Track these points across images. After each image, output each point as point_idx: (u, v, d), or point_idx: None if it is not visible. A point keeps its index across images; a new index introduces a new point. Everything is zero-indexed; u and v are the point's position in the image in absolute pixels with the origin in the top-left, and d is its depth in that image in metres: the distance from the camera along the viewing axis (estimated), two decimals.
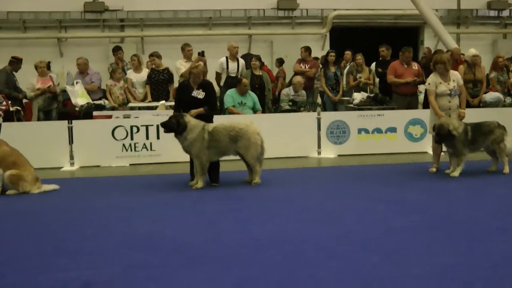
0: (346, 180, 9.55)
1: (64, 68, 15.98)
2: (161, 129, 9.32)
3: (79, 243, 6.02)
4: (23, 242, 6.16)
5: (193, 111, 8.87)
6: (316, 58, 15.48)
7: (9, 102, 10.56)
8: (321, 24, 18.69)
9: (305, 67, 14.08)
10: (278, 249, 5.64)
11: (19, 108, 11.62)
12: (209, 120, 9.14)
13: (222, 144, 8.85)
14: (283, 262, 5.25)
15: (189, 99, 9.00)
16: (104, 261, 5.40)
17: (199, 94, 8.99)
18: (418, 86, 13.03)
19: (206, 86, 9.13)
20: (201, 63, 9.32)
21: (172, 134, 8.89)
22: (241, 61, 12.98)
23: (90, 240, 6.15)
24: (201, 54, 11.97)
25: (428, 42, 18.39)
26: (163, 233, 6.31)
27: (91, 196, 8.65)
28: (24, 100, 12.89)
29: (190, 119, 8.73)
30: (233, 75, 12.59)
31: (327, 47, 18.15)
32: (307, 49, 14.36)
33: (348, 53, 14.40)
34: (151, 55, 12.89)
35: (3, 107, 8.92)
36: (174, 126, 8.73)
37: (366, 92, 13.02)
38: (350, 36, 18.10)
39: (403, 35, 18.38)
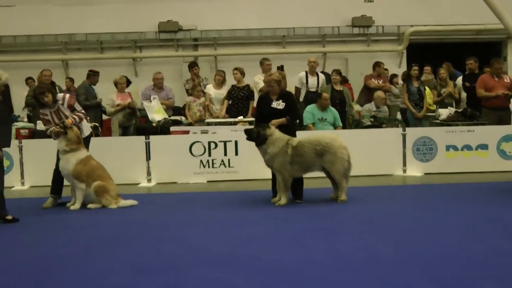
0: (437, 198, 8.80)
1: (138, 87, 15.83)
2: (242, 138, 8.85)
3: (157, 261, 5.56)
4: (100, 257, 5.80)
5: (275, 121, 8.39)
6: (395, 75, 14.76)
7: (88, 118, 10.25)
8: (397, 40, 17.92)
9: (378, 83, 13.37)
10: (374, 270, 5.01)
11: (97, 124, 11.39)
12: (292, 131, 8.62)
13: (307, 159, 8.30)
14: (381, 285, 4.61)
15: (269, 111, 8.52)
16: (184, 281, 4.89)
17: (279, 105, 8.50)
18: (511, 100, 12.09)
19: (285, 96, 8.65)
20: (276, 72, 8.84)
21: (252, 148, 8.52)
22: (321, 76, 12.47)
23: (168, 257, 5.70)
24: (281, 68, 11.58)
25: (511, 58, 17.37)
26: (246, 252, 5.79)
27: (169, 211, 8.31)
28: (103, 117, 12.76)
29: (274, 131, 8.23)
30: (313, 90, 12.04)
31: (403, 64, 17.41)
32: (378, 64, 13.69)
33: (427, 69, 13.62)
34: (235, 69, 12.61)
35: (81, 114, 8.64)
36: (254, 136, 8.28)
37: (452, 107, 12.17)
38: (428, 53, 17.28)
39: (484, 51, 17.38)
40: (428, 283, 4.59)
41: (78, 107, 8.77)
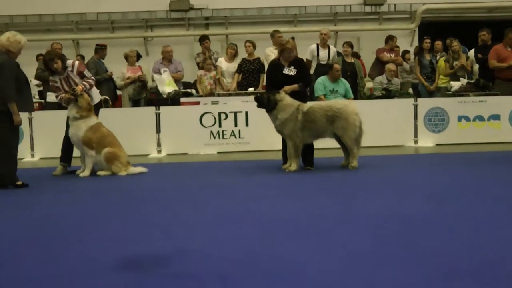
0: (450, 164, 8.73)
1: (150, 66, 15.73)
2: (252, 109, 8.72)
3: (171, 218, 5.53)
4: (112, 215, 5.77)
5: (287, 87, 8.26)
6: (407, 51, 14.57)
7: (98, 91, 10.16)
8: (409, 19, 17.68)
9: (391, 56, 13.19)
10: (388, 224, 4.91)
11: (107, 97, 11.31)
12: (304, 98, 8.50)
13: (318, 125, 8.18)
14: (394, 235, 4.53)
15: (281, 77, 8.39)
16: (198, 233, 4.84)
17: (291, 71, 8.37)
18: None
19: (297, 62, 8.51)
20: (291, 40, 8.69)
21: (263, 119, 8.44)
22: (333, 48, 12.31)
23: (182, 215, 5.66)
24: (292, 39, 11.32)
25: None
26: (259, 210, 5.71)
27: (181, 177, 8.24)
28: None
29: (284, 97, 8.11)
30: (324, 62, 11.88)
31: (415, 42, 17.16)
32: (392, 38, 13.51)
33: (438, 43, 13.41)
34: (247, 41, 12.51)
35: (91, 81, 8.58)
36: (264, 102, 8.17)
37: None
38: (440, 31, 17.01)
39: (498, 29, 17.10)
40: (447, 235, 4.49)
41: (87, 74, 8.69)
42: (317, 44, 12.21)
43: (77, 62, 8.69)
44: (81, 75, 8.55)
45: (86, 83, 8.49)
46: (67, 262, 4.10)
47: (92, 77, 8.77)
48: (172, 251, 4.24)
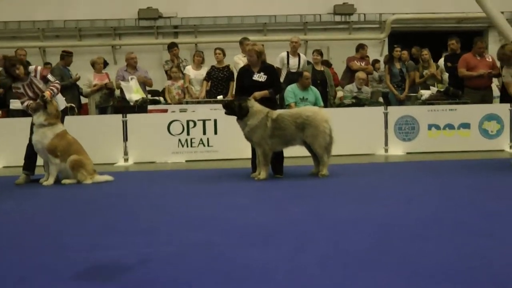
0: (420, 172, 8.68)
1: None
2: (221, 116, 8.55)
3: (134, 224, 5.31)
4: (75, 222, 5.54)
5: (257, 93, 8.14)
6: (377, 61, 14.60)
7: (64, 98, 9.92)
8: (379, 29, 17.78)
9: (361, 65, 13.19)
10: (358, 230, 4.77)
11: (73, 105, 11.07)
12: (274, 105, 8.38)
13: (287, 133, 8.05)
14: (365, 241, 4.39)
15: (250, 83, 8.26)
16: (161, 241, 4.64)
17: (261, 77, 8.25)
18: (494, 79, 11.96)
19: (267, 69, 8.39)
20: (259, 44, 8.57)
21: (232, 127, 8.30)
22: (303, 57, 12.26)
23: (145, 221, 5.45)
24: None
25: (493, 47, 17.18)
26: (225, 216, 5.54)
27: (147, 186, 8.05)
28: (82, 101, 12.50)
29: (254, 104, 7.98)
30: (294, 70, 11.80)
31: (385, 52, 17.21)
32: (362, 46, 13.53)
33: (404, 53, 13.44)
34: (216, 48, 12.42)
35: (56, 84, 8.35)
36: (236, 109, 8.00)
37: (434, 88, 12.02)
38: (409, 41, 17.11)
39: (466, 40, 17.27)
40: (417, 240, 4.38)
41: (51, 78, 8.43)
42: (287, 52, 12.14)
43: (39, 67, 8.45)
44: (45, 80, 8.31)
45: (53, 87, 8.25)
46: (25, 272, 3.88)
47: (57, 81, 8.54)
48: (134, 259, 4.04)
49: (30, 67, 8.39)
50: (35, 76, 8.26)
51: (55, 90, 8.28)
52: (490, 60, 11.75)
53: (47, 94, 8.12)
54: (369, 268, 3.69)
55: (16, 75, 8.17)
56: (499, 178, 7.72)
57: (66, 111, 8.96)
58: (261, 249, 4.24)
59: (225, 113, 8.23)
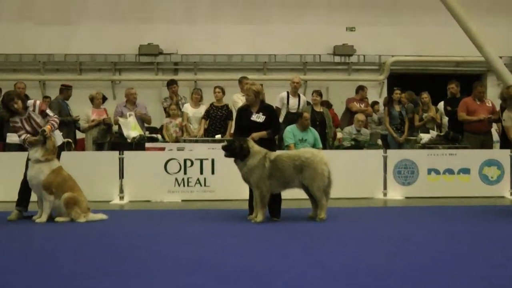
0: (420, 218, 8.58)
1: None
2: (219, 156, 8.41)
3: (127, 267, 5.18)
4: (66, 263, 5.38)
5: (255, 134, 8.03)
6: (376, 102, 14.58)
7: (61, 133, 9.82)
8: (378, 70, 17.82)
9: (360, 106, 13.15)
10: (351, 279, 4.64)
11: (70, 140, 10.97)
12: (273, 146, 8.27)
13: (285, 174, 7.92)
14: None
15: (248, 123, 8.17)
16: (154, 285, 4.48)
17: (259, 117, 8.15)
18: (493, 124, 11.90)
19: (266, 109, 8.30)
20: (258, 84, 8.49)
21: (229, 167, 8.17)
22: (303, 97, 12.22)
23: (137, 264, 5.33)
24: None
25: (492, 90, 17.24)
26: (221, 260, 5.43)
27: (141, 225, 7.89)
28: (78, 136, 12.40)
29: (253, 145, 7.86)
30: (293, 111, 11.73)
31: (384, 94, 17.22)
32: (362, 88, 13.52)
33: (403, 96, 13.39)
34: (216, 87, 12.36)
35: (56, 119, 8.26)
36: (237, 150, 7.84)
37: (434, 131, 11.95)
38: (408, 83, 17.12)
39: (464, 83, 17.29)
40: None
41: (50, 112, 8.33)
42: (287, 92, 12.10)
43: (38, 101, 8.36)
44: (44, 114, 8.20)
45: (53, 122, 8.16)
46: None
47: (56, 116, 8.43)
48: None
49: (28, 101, 8.30)
50: (34, 110, 8.16)
51: (55, 125, 8.20)
52: (490, 104, 11.74)
53: (47, 129, 8.01)
54: None
55: (15, 110, 8.07)
56: (501, 226, 7.62)
57: (63, 147, 8.85)
58: None
59: (225, 155, 8.04)
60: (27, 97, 10.79)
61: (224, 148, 8.05)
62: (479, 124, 11.47)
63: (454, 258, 5.46)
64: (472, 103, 11.63)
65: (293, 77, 12.44)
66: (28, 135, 8.10)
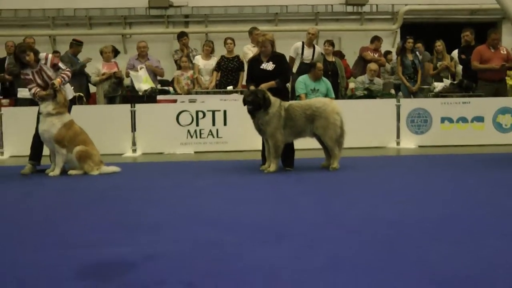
0: (433, 166, 8.50)
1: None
2: (231, 107, 8.32)
3: (139, 220, 5.12)
4: (80, 216, 5.37)
5: (263, 85, 7.88)
6: (389, 52, 14.34)
7: (72, 87, 9.72)
8: (391, 20, 17.45)
9: (374, 56, 12.92)
10: (369, 228, 4.58)
11: (81, 94, 10.92)
12: (285, 96, 8.22)
13: (297, 124, 7.84)
14: (376, 241, 4.21)
15: (258, 73, 8.05)
16: (166, 237, 4.49)
17: (269, 66, 8.02)
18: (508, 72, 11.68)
19: (276, 58, 8.13)
20: (270, 33, 8.35)
21: (242, 118, 8.18)
22: (317, 48, 12.02)
23: (152, 216, 5.27)
24: None
25: (507, 39, 16.88)
26: (235, 212, 5.37)
27: (155, 177, 7.86)
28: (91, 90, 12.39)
29: (269, 95, 7.73)
30: (307, 62, 11.56)
31: (398, 44, 16.92)
32: (378, 38, 13.27)
33: (419, 45, 13.17)
34: (228, 38, 12.25)
35: (68, 72, 8.15)
36: (261, 102, 7.66)
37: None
38: (422, 33, 16.80)
39: (479, 31, 16.95)
40: (430, 240, 4.18)
41: (62, 65, 8.22)
42: (303, 42, 11.91)
43: (50, 55, 8.25)
44: (56, 68, 8.10)
45: (64, 75, 8.06)
46: (26, 269, 3.72)
47: (68, 69, 8.31)
48: (137, 256, 3.89)
49: (40, 54, 8.18)
50: (46, 63, 8.07)
51: (66, 78, 8.11)
52: (505, 52, 11.47)
53: (57, 82, 7.94)
54: (379, 270, 3.51)
55: (26, 62, 7.98)
56: None
57: (74, 101, 8.83)
58: (269, 248, 4.07)
59: (249, 110, 7.78)
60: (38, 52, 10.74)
61: (247, 102, 7.76)
62: (492, 73, 11.26)
63: (468, 208, 5.38)
64: (486, 51, 11.39)
65: (309, 28, 12.25)
66: (39, 89, 8.04)
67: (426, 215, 5.06)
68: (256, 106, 7.71)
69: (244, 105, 7.82)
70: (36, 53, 8.10)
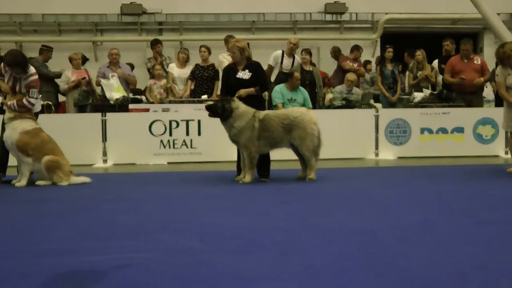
0: (411, 178, 8.67)
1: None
2: (205, 117, 8.46)
3: (111, 229, 5.23)
4: (49, 226, 5.44)
5: (243, 91, 8.06)
6: (368, 62, 14.60)
7: (40, 96, 9.75)
8: (371, 29, 17.77)
9: (353, 66, 13.14)
10: (345, 238, 4.72)
11: (49, 102, 10.96)
12: (261, 105, 8.39)
13: (274, 134, 7.99)
14: (352, 249, 4.34)
15: (234, 82, 8.21)
16: (139, 246, 4.57)
17: (245, 75, 8.19)
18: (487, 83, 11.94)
19: (252, 66, 8.30)
20: (243, 40, 8.52)
21: (216, 128, 8.28)
22: (297, 59, 12.20)
23: (124, 226, 5.36)
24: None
25: (488, 50, 17.28)
26: (208, 221, 5.47)
27: (126, 188, 7.93)
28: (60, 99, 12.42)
29: (239, 105, 7.90)
30: (286, 71, 11.73)
31: (377, 53, 17.17)
32: (358, 48, 13.50)
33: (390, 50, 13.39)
34: (202, 46, 12.38)
35: (33, 101, 8.19)
36: (219, 110, 7.91)
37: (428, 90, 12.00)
38: (402, 43, 17.11)
39: (459, 42, 17.30)
40: (406, 247, 4.34)
41: (33, 94, 8.17)
42: (283, 51, 12.10)
43: (36, 77, 8.23)
44: (28, 88, 8.12)
45: (26, 101, 8.06)
46: None
47: (33, 100, 8.15)
48: (109, 265, 3.97)
49: (30, 68, 8.23)
50: (26, 79, 8.11)
51: (26, 105, 8.08)
52: (479, 62, 11.59)
53: (8, 104, 8.02)
54: (356, 278, 3.63)
55: (18, 72, 8.09)
56: (494, 186, 7.70)
57: (42, 109, 8.82)
58: (243, 256, 4.18)
59: (209, 115, 8.14)
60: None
61: (207, 108, 8.12)
62: (464, 85, 11.38)
63: (444, 218, 5.53)
64: (459, 62, 11.53)
65: (290, 38, 12.50)
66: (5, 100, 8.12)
67: (401, 223, 5.21)
68: (214, 113, 7.99)
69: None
70: (26, 64, 8.16)
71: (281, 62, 11.98)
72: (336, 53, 14.02)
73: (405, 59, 13.76)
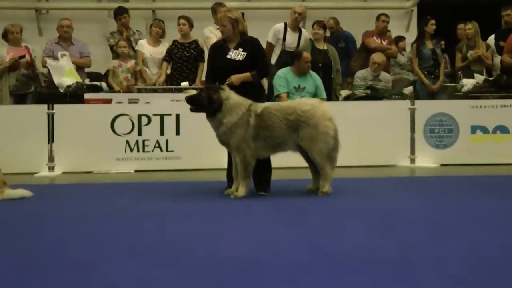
0: (458, 192, 8.65)
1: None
2: (185, 111, 8.48)
3: (61, 257, 5.20)
4: None
5: (234, 77, 8.09)
6: (401, 38, 14.63)
7: None
8: None
9: (381, 43, 13.19)
10: (363, 269, 4.71)
11: None
12: (260, 95, 8.44)
13: (276, 134, 8.01)
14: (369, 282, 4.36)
15: (224, 64, 8.26)
16: (99, 279, 4.53)
17: (238, 54, 8.24)
18: None
19: (248, 43, 8.35)
20: (236, 10, 8.54)
21: (200, 125, 8.39)
22: (305, 33, 12.31)
23: (78, 253, 5.34)
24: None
25: None
26: (189, 246, 5.49)
27: (81, 203, 7.96)
28: None
29: (230, 94, 7.91)
30: (291, 50, 11.78)
31: (413, 26, 17.24)
32: (384, 18, 13.60)
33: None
34: (181, 17, 12.49)
35: None
36: (204, 102, 7.91)
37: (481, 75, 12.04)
38: (444, 13, 17.19)
39: None
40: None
41: None
42: (285, 24, 12.13)
43: None
44: None
45: None
46: None
47: None
48: None
49: None
50: None
51: None
52: None
53: None
54: None
55: None
56: None
57: None
58: None
59: (191, 109, 8.16)
60: None
61: (188, 100, 8.12)
62: None
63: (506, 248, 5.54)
64: None
65: (295, 6, 12.50)
66: None
67: (433, 252, 5.19)
68: (198, 107, 8.02)
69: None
70: None
71: (284, 39, 12.03)
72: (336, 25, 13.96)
73: (457, 34, 13.72)
